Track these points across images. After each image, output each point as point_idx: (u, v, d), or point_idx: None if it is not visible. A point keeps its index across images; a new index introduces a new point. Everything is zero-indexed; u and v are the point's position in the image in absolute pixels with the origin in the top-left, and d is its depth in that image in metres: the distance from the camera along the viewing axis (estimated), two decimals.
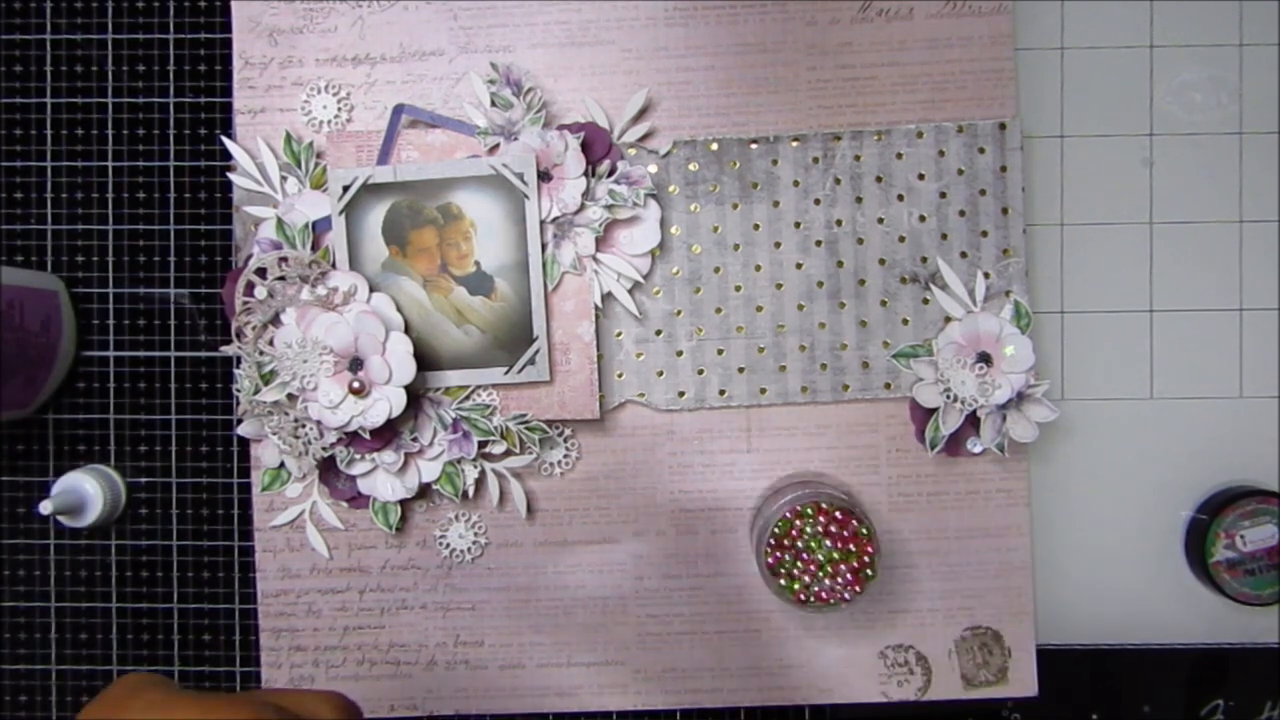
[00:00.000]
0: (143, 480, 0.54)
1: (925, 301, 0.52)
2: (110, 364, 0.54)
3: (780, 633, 0.53)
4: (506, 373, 0.51)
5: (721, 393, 0.53)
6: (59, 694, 0.54)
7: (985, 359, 0.51)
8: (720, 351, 0.53)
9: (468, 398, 0.51)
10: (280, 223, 0.51)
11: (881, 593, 0.53)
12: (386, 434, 0.50)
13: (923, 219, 0.52)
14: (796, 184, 0.52)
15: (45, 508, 0.50)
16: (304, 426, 0.50)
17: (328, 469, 0.52)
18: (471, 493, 0.52)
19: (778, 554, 0.49)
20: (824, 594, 0.49)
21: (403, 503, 0.52)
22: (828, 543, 0.48)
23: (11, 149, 0.54)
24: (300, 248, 0.51)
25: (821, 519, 0.49)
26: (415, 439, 0.51)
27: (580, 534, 0.53)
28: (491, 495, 0.52)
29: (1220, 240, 0.54)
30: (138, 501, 0.54)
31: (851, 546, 0.48)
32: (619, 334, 0.53)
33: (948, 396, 0.51)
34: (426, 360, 0.50)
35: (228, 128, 0.54)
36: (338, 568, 0.53)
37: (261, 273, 0.50)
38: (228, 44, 0.53)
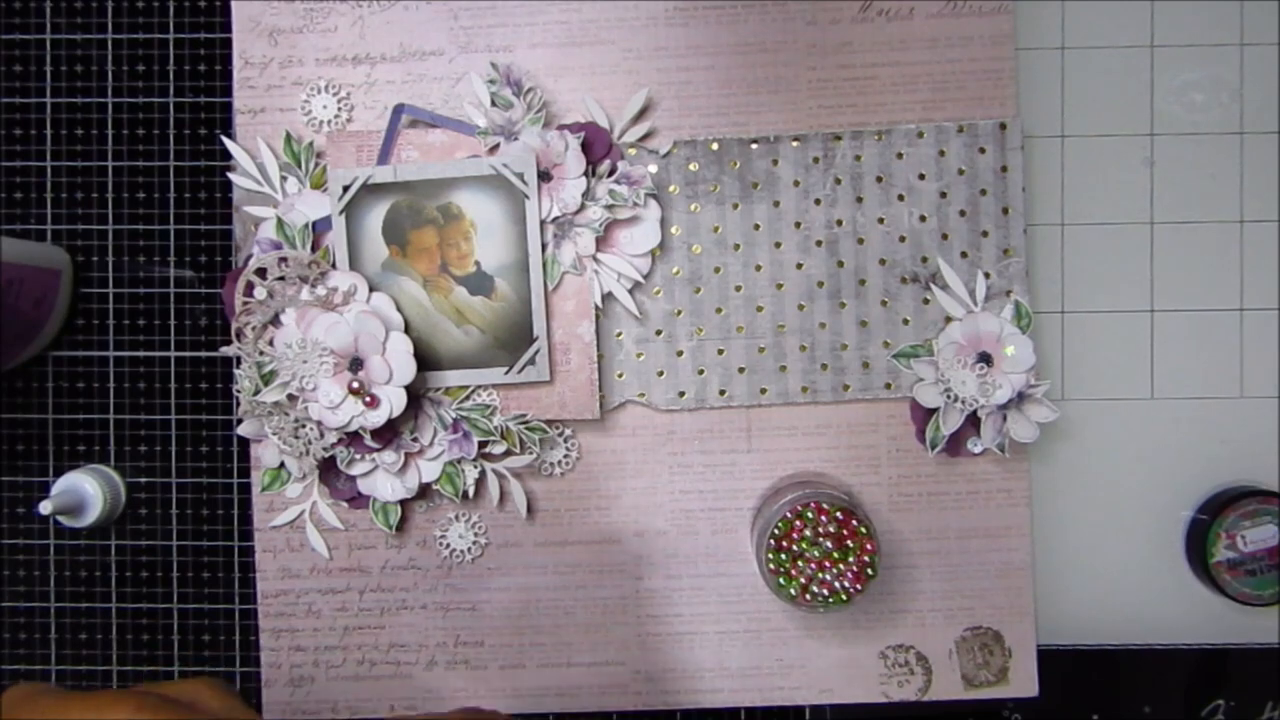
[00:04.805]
0: (142, 480, 0.54)
1: (926, 301, 0.52)
2: (110, 364, 0.54)
3: (780, 633, 0.53)
4: (507, 373, 0.51)
5: (722, 393, 0.53)
6: None
7: (986, 359, 0.51)
8: (720, 351, 0.53)
9: (468, 398, 0.51)
10: (280, 223, 0.51)
11: (882, 593, 0.53)
12: (387, 434, 0.50)
13: (923, 219, 0.52)
14: (797, 184, 0.52)
15: (45, 508, 0.50)
16: (304, 427, 0.50)
17: (328, 469, 0.52)
18: (471, 493, 0.52)
19: (778, 554, 0.49)
20: (825, 588, 0.49)
21: (403, 503, 0.52)
22: (828, 543, 0.48)
23: (11, 149, 0.54)
24: (300, 248, 0.51)
25: (822, 519, 0.48)
26: (415, 439, 0.51)
27: (580, 534, 0.53)
28: (491, 495, 0.52)
29: (1220, 240, 0.54)
30: (137, 501, 0.54)
31: (849, 543, 0.48)
32: (619, 334, 0.53)
33: (948, 396, 0.51)
34: (426, 360, 0.50)
35: (228, 128, 0.54)
36: (338, 568, 0.53)
37: (261, 273, 0.50)
38: (228, 44, 0.53)
